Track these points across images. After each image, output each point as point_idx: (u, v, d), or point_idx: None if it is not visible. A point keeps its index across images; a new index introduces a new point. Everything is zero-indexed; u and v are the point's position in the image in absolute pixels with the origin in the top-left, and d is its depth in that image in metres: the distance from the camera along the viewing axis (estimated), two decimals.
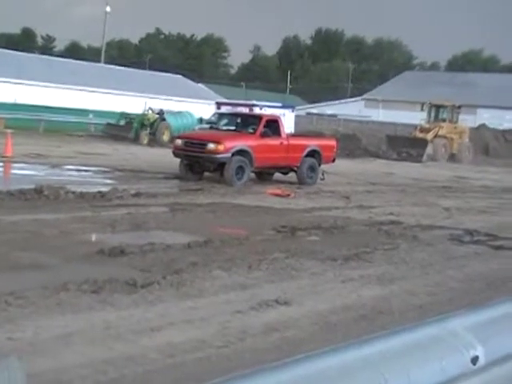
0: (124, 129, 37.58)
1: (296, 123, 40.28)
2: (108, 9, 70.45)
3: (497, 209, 18.64)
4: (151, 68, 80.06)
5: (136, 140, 36.23)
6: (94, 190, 15.23)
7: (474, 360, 2.71)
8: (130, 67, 64.93)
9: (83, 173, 20.05)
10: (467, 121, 46.50)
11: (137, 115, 38.65)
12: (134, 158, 26.12)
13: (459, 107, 44.83)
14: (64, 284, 7.30)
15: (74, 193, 14.38)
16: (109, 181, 18.16)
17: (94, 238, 10.85)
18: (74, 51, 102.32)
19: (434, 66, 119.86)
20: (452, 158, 42.65)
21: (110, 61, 74.64)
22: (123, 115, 39.09)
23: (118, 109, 41.11)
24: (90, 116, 42.65)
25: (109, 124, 38.77)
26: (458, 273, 9.80)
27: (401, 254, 10.74)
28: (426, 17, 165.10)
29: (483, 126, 50.81)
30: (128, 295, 7.21)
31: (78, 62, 59.40)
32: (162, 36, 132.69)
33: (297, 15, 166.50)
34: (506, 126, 54.47)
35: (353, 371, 2.28)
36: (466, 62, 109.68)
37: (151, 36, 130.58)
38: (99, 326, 6.21)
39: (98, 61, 68.23)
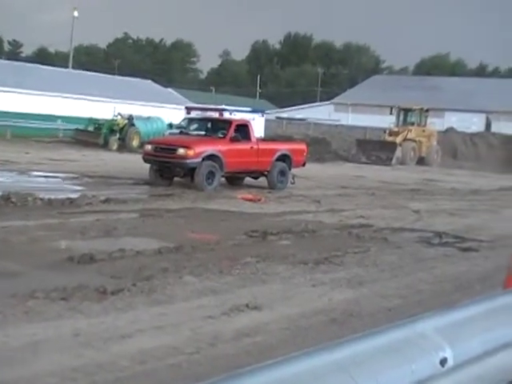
0: (93, 134, 37.33)
1: (266, 127, 40.34)
2: (76, 14, 69.96)
3: (465, 211, 18.82)
4: (120, 73, 79.64)
5: (105, 146, 36.02)
6: (63, 196, 15.10)
7: (443, 362, 2.73)
8: (99, 72, 64.48)
9: (52, 179, 19.87)
10: (435, 124, 46.90)
11: (106, 121, 38.42)
12: (104, 163, 25.95)
13: (427, 111, 45.24)
14: (32, 292, 7.22)
15: (42, 199, 14.25)
16: (78, 187, 18.02)
17: (63, 245, 10.72)
18: (42, 56, 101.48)
19: (402, 70, 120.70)
20: (421, 161, 43.02)
21: (79, 66, 74.20)
22: (92, 121, 38.84)
23: (87, 114, 40.84)
24: (59, 122, 42.30)
25: (78, 130, 38.50)
26: (428, 275, 9.87)
27: (371, 257, 10.80)
28: (393, 21, 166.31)
29: (451, 129, 51.31)
30: (98, 302, 7.15)
31: (45, 67, 58.90)
32: (131, 41, 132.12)
33: (266, 20, 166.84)
34: (473, 129, 55.03)
35: (323, 376, 2.29)
36: (434, 66, 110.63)
37: (119, 41, 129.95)
38: (68, 333, 6.14)
39: (66, 66, 67.73)
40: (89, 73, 61.76)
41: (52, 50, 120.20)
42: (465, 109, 61.42)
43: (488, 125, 60.64)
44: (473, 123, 58.73)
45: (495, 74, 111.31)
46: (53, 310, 6.79)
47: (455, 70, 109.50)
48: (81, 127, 38.65)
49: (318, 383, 2.22)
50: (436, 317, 2.95)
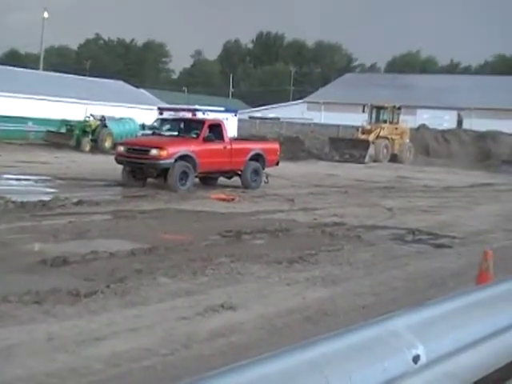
0: (65, 136, 37.07)
1: (239, 127, 40.32)
2: (46, 15, 69.34)
3: (438, 208, 18.96)
4: (92, 74, 79.13)
5: (77, 147, 35.78)
6: (35, 199, 14.97)
7: (416, 359, 2.74)
8: (70, 74, 64.00)
9: (24, 182, 19.68)
10: (408, 121, 47.18)
11: (78, 122, 38.16)
12: (76, 165, 25.77)
13: (399, 108, 45.50)
14: (5, 296, 7.14)
15: (14, 202, 14.11)
16: (50, 189, 17.87)
17: (35, 248, 10.63)
18: (12, 58, 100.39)
19: (374, 68, 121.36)
20: (393, 158, 43.25)
21: (50, 68, 73.56)
22: (64, 122, 38.56)
23: (59, 116, 40.52)
24: (30, 124, 41.92)
25: (49, 131, 38.19)
26: (401, 272, 9.93)
27: (345, 255, 10.83)
28: (364, 19, 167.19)
29: (423, 126, 51.64)
30: (71, 305, 7.09)
31: (16, 68, 58.32)
32: (102, 42, 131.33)
33: (237, 19, 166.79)
34: (445, 126, 55.44)
35: (296, 374, 2.28)
36: (405, 64, 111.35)
37: (91, 42, 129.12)
38: (42, 337, 6.09)
39: (37, 68, 67.14)
40: (60, 74, 61.29)
41: (22, 51, 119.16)
42: (436, 106, 61.90)
43: (459, 122, 61.17)
44: (444, 120, 59.21)
45: (466, 71, 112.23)
46: (26, 314, 6.73)
47: (426, 67, 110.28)
48: (52, 129, 38.34)
49: (290, 383, 2.22)
50: (408, 314, 2.96)
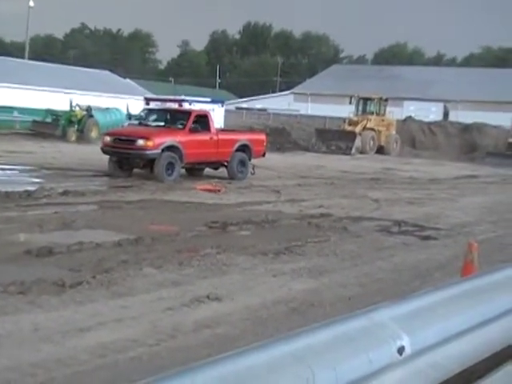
0: (51, 126, 36.88)
1: (226, 118, 40.24)
2: (31, 3, 68.79)
3: (424, 199, 19.02)
4: (78, 64, 78.69)
5: (63, 137, 35.60)
6: (21, 189, 14.90)
7: (401, 350, 2.75)
8: (56, 63, 63.61)
9: (9, 172, 19.58)
10: (394, 113, 47.26)
11: (64, 112, 37.95)
12: (62, 155, 25.65)
13: (386, 100, 45.57)
14: None
15: None
16: (36, 179, 17.79)
17: (20, 238, 10.59)
18: None
19: (361, 60, 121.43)
20: (380, 150, 43.33)
21: (35, 57, 73.00)
22: (50, 112, 38.35)
23: (44, 106, 40.28)
24: (15, 113, 41.61)
25: (35, 121, 37.96)
26: (387, 263, 9.97)
27: (331, 247, 10.86)
28: (352, 11, 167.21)
29: (410, 118, 51.73)
30: (56, 296, 7.08)
31: (1, 57, 57.90)
32: (88, 31, 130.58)
33: (225, 10, 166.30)
34: (431, 117, 55.59)
35: (281, 366, 2.29)
36: (392, 55, 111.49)
37: (76, 31, 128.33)
38: (27, 328, 6.08)
39: (23, 57, 66.65)
40: (45, 63, 60.92)
41: (7, 40, 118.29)
42: (423, 98, 62.06)
43: (446, 114, 61.30)
44: (431, 112, 59.35)
45: (452, 63, 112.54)
46: (11, 305, 6.71)
47: (413, 59, 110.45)
48: (38, 119, 38.12)
49: (275, 375, 2.22)
50: (393, 306, 2.98)
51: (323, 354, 2.47)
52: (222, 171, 21.49)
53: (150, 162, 19.08)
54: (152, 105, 34.45)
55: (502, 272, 4.12)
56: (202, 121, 20.67)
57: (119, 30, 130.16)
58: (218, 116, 33.41)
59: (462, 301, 3.42)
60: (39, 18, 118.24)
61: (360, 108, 45.42)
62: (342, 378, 2.46)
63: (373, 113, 44.42)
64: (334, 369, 2.45)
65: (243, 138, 22.39)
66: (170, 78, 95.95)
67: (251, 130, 36.49)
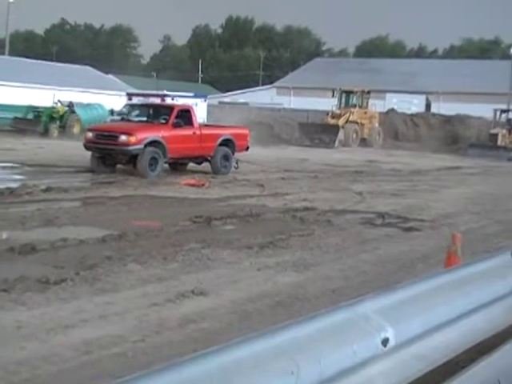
0: (32, 122, 36.72)
1: (208, 112, 40.21)
2: None
3: (407, 191, 19.09)
4: (59, 60, 78.21)
5: (45, 134, 35.44)
6: (2, 186, 14.81)
7: (385, 342, 2.76)
8: (37, 59, 63.22)
9: None
10: (377, 106, 47.37)
11: (45, 108, 37.78)
12: (44, 152, 25.52)
13: (368, 92, 45.66)
14: None
15: None
16: (18, 176, 17.69)
17: (3, 235, 10.53)
18: None
19: (343, 53, 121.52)
20: (363, 142, 43.42)
21: (16, 53, 72.58)
22: (31, 108, 38.15)
23: (26, 102, 40.05)
24: None
25: (16, 118, 37.76)
26: (371, 256, 10.00)
27: (315, 240, 10.87)
28: (333, 4, 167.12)
29: (392, 110, 51.87)
30: (40, 293, 7.04)
31: None
32: (68, 27, 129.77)
33: (206, 4, 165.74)
34: (414, 110, 55.78)
35: (266, 360, 2.29)
36: (374, 48, 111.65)
37: (57, 27, 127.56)
38: (11, 325, 6.04)
39: (3, 53, 66.20)
40: (26, 59, 60.55)
41: None
42: (405, 90, 62.21)
43: (428, 105, 61.58)
44: (413, 104, 59.55)
45: (434, 55, 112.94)
46: None
47: (395, 51, 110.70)
48: (20, 115, 37.91)
49: (260, 369, 2.22)
50: (377, 298, 2.98)
51: (308, 347, 2.47)
52: (206, 166, 21.46)
53: (133, 158, 19.01)
54: (134, 100, 34.39)
55: (485, 262, 4.14)
56: (185, 116, 20.62)
57: (102, 25, 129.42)
58: (200, 111, 33.40)
59: (446, 292, 3.43)
60: (19, 13, 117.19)
61: (343, 101, 45.48)
62: (327, 370, 2.46)
63: (355, 106, 44.50)
64: (319, 361, 2.46)
65: (226, 132, 22.35)
66: (153, 73, 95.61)
67: (234, 124, 36.41)
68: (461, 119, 48.18)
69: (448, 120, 48.67)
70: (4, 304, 6.63)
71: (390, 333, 2.79)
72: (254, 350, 2.27)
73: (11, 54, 67.85)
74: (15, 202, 13.32)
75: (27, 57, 63.93)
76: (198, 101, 37.28)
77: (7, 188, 14.53)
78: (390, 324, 2.82)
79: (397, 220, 13.57)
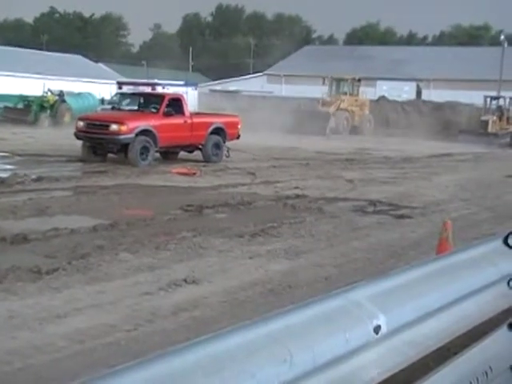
0: (23, 112, 36.62)
1: (199, 100, 40.12)
2: None
3: (398, 179, 19.13)
4: (49, 49, 77.84)
5: (36, 123, 35.34)
6: None
7: (377, 329, 2.77)
8: (27, 48, 62.92)
9: None
10: (367, 93, 47.39)
11: (36, 97, 37.65)
12: (35, 141, 25.46)
13: (359, 80, 45.69)
14: None
15: None
16: (8, 166, 17.65)
17: None
18: None
19: (333, 40, 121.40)
20: (354, 130, 43.46)
21: (5, 42, 72.17)
22: (21, 98, 38.02)
23: (16, 91, 39.89)
24: None
25: (6, 107, 37.64)
26: (363, 243, 10.02)
27: (307, 227, 10.89)
28: None
29: (383, 97, 51.93)
30: (32, 283, 7.04)
31: None
32: (58, 15, 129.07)
33: None
34: (404, 97, 55.83)
35: (258, 348, 2.29)
36: (364, 35, 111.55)
37: (46, 15, 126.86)
38: (2, 315, 6.04)
39: None
40: (16, 48, 60.27)
41: None
42: (396, 77, 62.21)
43: (418, 92, 61.63)
44: (404, 91, 59.57)
45: (424, 41, 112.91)
46: None
47: (385, 38, 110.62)
48: (10, 105, 37.79)
49: (253, 357, 2.23)
50: (369, 285, 2.99)
51: (300, 334, 2.48)
52: (197, 154, 21.45)
53: (124, 147, 18.99)
54: (125, 89, 34.29)
55: (476, 249, 4.15)
56: (176, 104, 20.59)
57: (92, 14, 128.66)
58: (191, 99, 33.32)
59: (438, 278, 3.44)
60: (7, 1, 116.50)
61: (333, 88, 45.50)
62: (320, 357, 2.47)
63: (346, 93, 44.52)
64: (312, 349, 2.46)
65: (217, 120, 22.33)
66: (143, 62, 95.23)
67: (225, 112, 36.33)
68: (451, 106, 48.29)
69: (439, 107, 48.78)
70: None
71: (381, 320, 2.79)
72: (247, 338, 2.28)
73: (0, 43, 67.51)
74: (6, 191, 13.29)
75: (17, 46, 63.56)
76: (189, 89, 37.18)
77: None
78: (382, 311, 2.82)
79: (388, 207, 13.60)
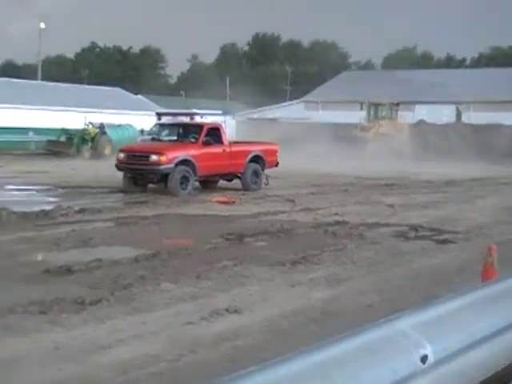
0: (65, 145, 37.21)
1: (238, 129, 40.33)
2: (42, 25, 69.51)
3: (440, 203, 18.94)
4: (89, 82, 79.14)
5: (78, 155, 35.85)
6: (37, 208, 14.95)
7: (424, 359, 2.73)
8: (68, 83, 64.08)
9: (25, 192, 19.69)
10: (406, 117, 47.17)
11: (77, 130, 38.23)
12: (77, 173, 25.79)
13: (397, 104, 45.62)
14: (10, 307, 7.14)
15: (16, 213, 14.07)
16: (52, 198, 17.87)
17: (39, 257, 10.62)
18: (10, 70, 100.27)
19: (369, 65, 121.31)
20: (393, 154, 43.18)
21: (48, 78, 73.48)
22: (63, 131, 38.64)
23: (58, 125, 40.59)
24: (30, 134, 42.05)
25: (49, 141, 38.29)
26: (405, 269, 9.91)
27: (348, 254, 10.81)
28: (358, 17, 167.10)
29: (422, 121, 51.62)
30: (76, 314, 7.09)
31: (14, 80, 58.44)
32: (98, 49, 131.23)
33: (233, 22, 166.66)
34: (444, 120, 55.44)
35: (304, 378, 2.28)
36: (401, 60, 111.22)
37: (87, 50, 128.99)
38: (48, 347, 6.09)
39: (35, 78, 67.20)
40: (57, 83, 61.39)
41: (20, 62, 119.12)
42: (434, 101, 61.81)
43: (458, 115, 61.13)
44: (443, 115, 59.14)
45: (462, 64, 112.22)
46: (31, 324, 6.72)
47: (423, 62, 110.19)
48: (52, 138, 38.43)
49: None
50: (414, 314, 2.96)
51: (346, 364, 2.46)
52: (236, 183, 21.50)
53: (164, 177, 19.13)
54: (164, 119, 34.55)
55: None
56: (215, 133, 20.73)
57: (130, 47, 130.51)
58: (229, 128, 33.50)
59: (485, 306, 3.39)
60: (50, 38, 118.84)
61: (371, 113, 45.46)
62: None
63: (384, 118, 44.38)
64: (357, 380, 2.44)
65: (256, 148, 22.39)
66: (181, 92, 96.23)
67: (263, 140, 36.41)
68: (492, 128, 47.77)
69: (479, 129, 48.29)
70: (41, 326, 6.68)
71: (428, 349, 2.76)
72: (293, 369, 2.26)
73: (43, 78, 68.82)
74: (50, 223, 13.44)
75: (59, 81, 64.74)
76: (227, 118, 37.39)
77: (42, 210, 14.67)
78: (429, 340, 2.79)
79: (430, 232, 13.45)
